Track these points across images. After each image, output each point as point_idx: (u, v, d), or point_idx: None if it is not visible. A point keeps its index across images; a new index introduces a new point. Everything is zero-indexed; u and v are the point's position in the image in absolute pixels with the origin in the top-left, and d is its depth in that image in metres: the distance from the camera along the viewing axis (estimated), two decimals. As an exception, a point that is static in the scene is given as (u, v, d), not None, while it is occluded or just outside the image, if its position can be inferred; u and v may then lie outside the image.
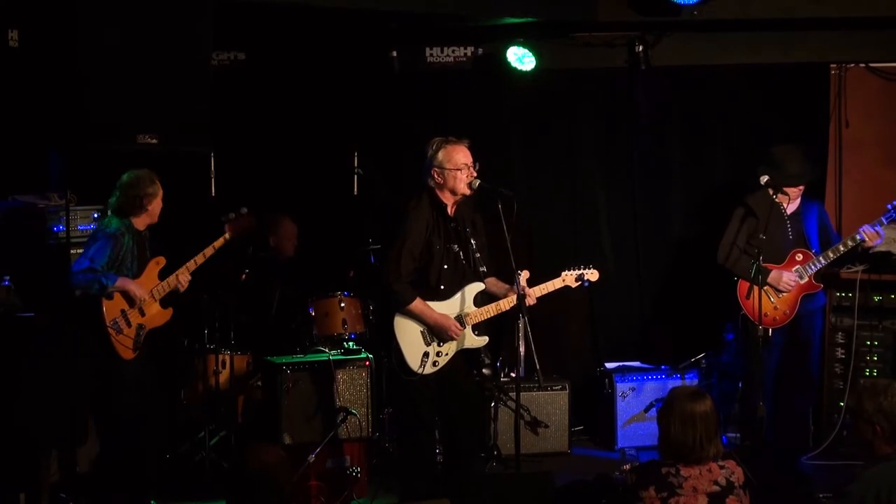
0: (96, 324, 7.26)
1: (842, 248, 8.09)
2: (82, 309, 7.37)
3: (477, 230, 7.12)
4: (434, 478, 7.08)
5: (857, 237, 8.07)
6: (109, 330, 7.25)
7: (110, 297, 7.28)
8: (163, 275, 7.57)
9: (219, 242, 7.71)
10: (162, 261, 7.59)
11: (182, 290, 7.61)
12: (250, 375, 8.60)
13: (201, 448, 8.24)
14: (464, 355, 7.11)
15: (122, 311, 7.33)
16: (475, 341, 7.06)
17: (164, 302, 7.60)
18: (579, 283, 7.19)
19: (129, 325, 7.35)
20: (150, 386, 7.60)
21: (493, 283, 7.11)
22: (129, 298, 7.36)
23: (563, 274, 7.17)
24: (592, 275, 7.21)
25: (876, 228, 8.04)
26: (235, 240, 7.83)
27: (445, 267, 6.94)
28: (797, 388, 8.39)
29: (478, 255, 7.04)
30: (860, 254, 8.65)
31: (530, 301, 6.94)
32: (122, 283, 7.30)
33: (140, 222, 7.49)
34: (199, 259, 7.64)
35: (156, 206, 7.53)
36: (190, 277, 7.59)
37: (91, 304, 7.29)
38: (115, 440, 7.41)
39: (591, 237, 9.86)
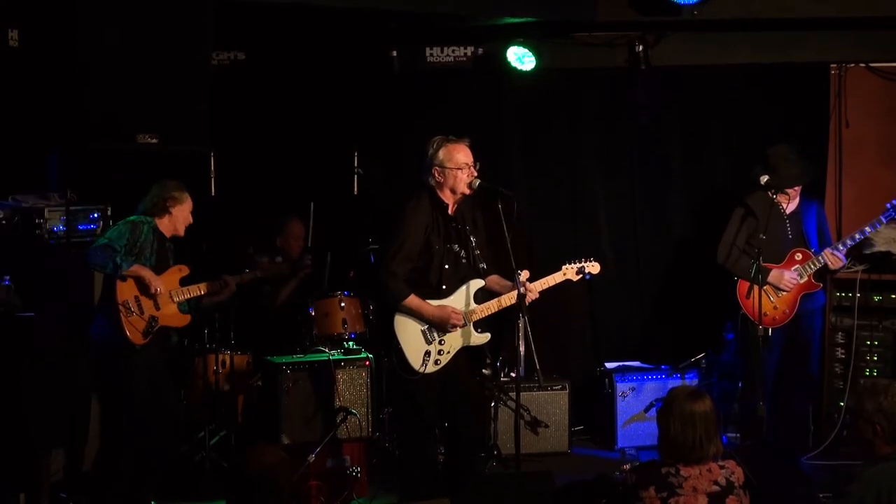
0: (108, 300, 7.27)
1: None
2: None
3: (477, 228, 7.09)
4: (434, 477, 7.07)
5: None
6: (120, 307, 7.23)
7: (123, 279, 7.25)
8: (184, 283, 7.58)
9: (247, 276, 7.95)
10: (185, 269, 7.60)
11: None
12: (250, 375, 8.61)
13: (201, 448, 8.24)
14: (466, 354, 7.08)
15: (136, 297, 7.30)
16: (478, 338, 7.03)
17: (185, 308, 7.61)
18: (580, 275, 7.15)
19: (141, 311, 7.31)
20: (161, 384, 7.55)
21: (496, 282, 7.08)
22: (144, 287, 7.33)
23: (564, 267, 7.14)
24: (594, 267, 7.18)
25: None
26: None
27: (446, 267, 6.92)
28: (797, 387, 8.41)
29: (477, 252, 7.03)
30: (860, 253, 8.69)
31: (533, 295, 6.91)
32: (138, 268, 7.28)
33: (163, 226, 7.50)
34: (233, 281, 7.93)
35: (179, 212, 7.52)
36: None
37: (105, 281, 7.31)
38: (119, 436, 7.38)
39: (590, 237, 9.86)
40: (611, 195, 10.00)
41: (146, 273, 7.32)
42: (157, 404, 7.45)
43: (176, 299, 7.50)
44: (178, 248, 7.69)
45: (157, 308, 7.40)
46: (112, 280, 7.26)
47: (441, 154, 6.88)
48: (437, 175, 6.89)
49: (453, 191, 6.92)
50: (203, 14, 7.86)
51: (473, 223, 7.08)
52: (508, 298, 6.94)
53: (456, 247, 6.97)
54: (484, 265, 7.05)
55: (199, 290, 7.60)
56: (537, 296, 6.98)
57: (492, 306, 6.99)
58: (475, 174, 6.90)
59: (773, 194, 8.11)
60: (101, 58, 7.49)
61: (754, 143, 9.23)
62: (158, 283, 7.36)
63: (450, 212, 6.97)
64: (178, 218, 7.54)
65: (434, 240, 6.88)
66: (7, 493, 7.27)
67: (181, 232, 7.59)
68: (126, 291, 7.28)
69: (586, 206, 9.97)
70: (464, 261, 6.99)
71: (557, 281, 7.13)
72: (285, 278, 9.00)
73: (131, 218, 7.44)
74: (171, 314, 7.50)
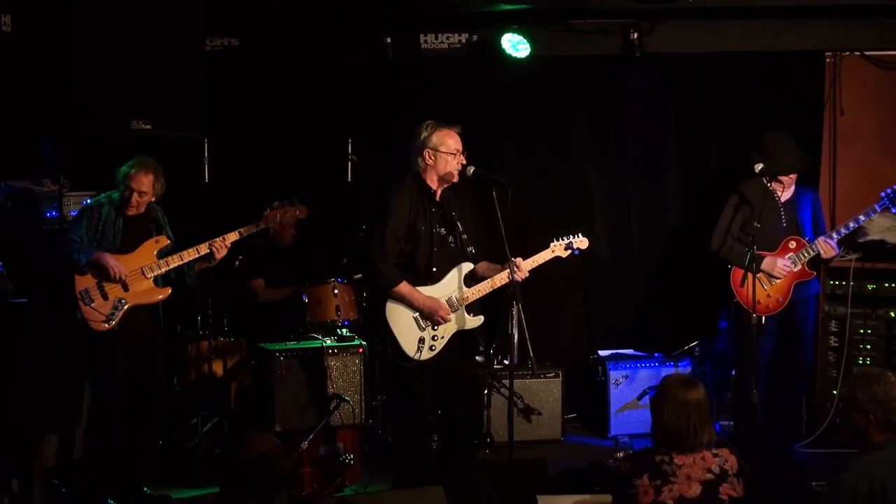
0: (66, 292, 7.18)
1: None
2: (55, 277, 7.30)
3: (464, 216, 7.11)
4: (427, 465, 7.07)
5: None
6: (78, 299, 7.16)
7: (82, 272, 7.18)
8: (165, 254, 7.46)
9: (249, 229, 7.55)
10: (163, 240, 7.45)
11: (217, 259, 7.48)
12: (243, 362, 8.60)
13: (194, 435, 8.24)
14: (461, 339, 7.08)
15: (98, 283, 7.21)
16: (471, 322, 7.04)
17: (163, 280, 7.46)
18: (569, 251, 7.14)
19: (104, 297, 7.23)
20: (151, 365, 7.50)
21: (486, 267, 7.10)
22: (107, 273, 7.23)
23: (552, 244, 7.15)
24: (582, 242, 7.17)
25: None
26: (266, 230, 7.72)
27: (435, 250, 6.93)
28: (790, 375, 8.42)
29: (465, 236, 7.03)
30: (854, 242, 8.70)
31: (523, 274, 6.92)
32: (97, 256, 7.19)
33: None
34: (232, 237, 7.48)
35: (133, 199, 7.34)
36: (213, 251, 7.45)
37: (63, 271, 7.20)
38: (98, 422, 7.36)
39: (585, 225, 9.78)
40: (605, 183, 9.99)
41: (105, 261, 7.21)
42: (145, 387, 7.42)
43: (150, 274, 7.35)
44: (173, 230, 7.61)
45: (126, 289, 7.30)
46: (70, 269, 7.18)
47: (434, 138, 6.89)
48: (427, 158, 6.90)
49: (442, 176, 6.92)
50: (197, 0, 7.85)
51: (459, 211, 7.09)
52: (500, 279, 6.95)
53: (443, 231, 6.98)
54: (472, 249, 7.05)
55: (179, 258, 7.40)
56: (527, 275, 6.98)
57: (484, 287, 7.00)
58: (464, 161, 6.91)
59: (767, 181, 8.11)
60: (94, 43, 7.47)
61: (749, 131, 9.20)
62: (120, 269, 7.23)
63: (436, 198, 6.97)
64: (129, 202, 7.35)
65: (420, 222, 6.89)
66: (0, 480, 7.26)
67: (140, 210, 7.38)
68: (85, 280, 7.21)
69: (581, 193, 9.97)
70: (452, 245, 7.00)
71: (547, 258, 7.14)
72: (282, 276, 9.01)
73: (92, 201, 7.36)
74: (143, 290, 7.37)
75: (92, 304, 7.21)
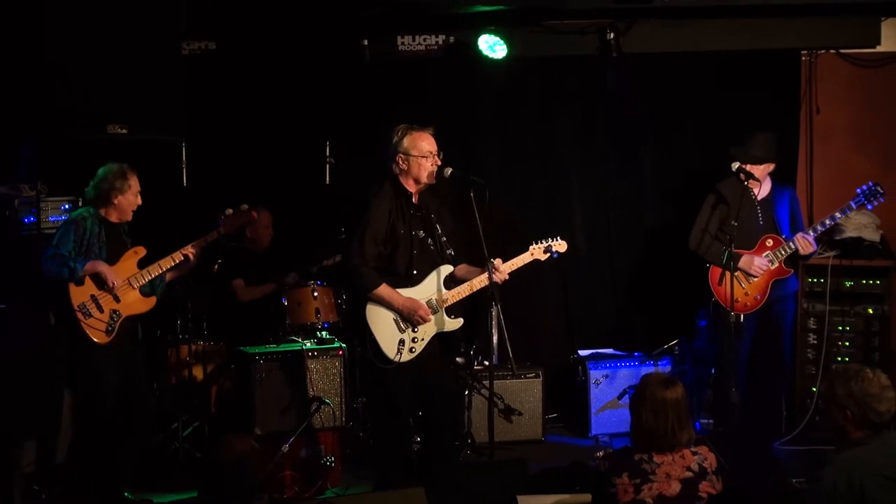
0: (63, 308, 7.17)
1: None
2: (49, 294, 7.29)
3: (442, 218, 7.12)
4: (408, 466, 7.07)
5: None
6: (77, 314, 7.16)
7: (80, 281, 7.16)
8: (143, 265, 7.46)
9: (211, 237, 7.57)
10: (141, 251, 7.44)
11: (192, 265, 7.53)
12: (224, 366, 8.59)
13: (174, 439, 8.23)
14: (441, 341, 7.09)
15: (92, 296, 7.20)
16: (451, 324, 7.04)
17: (148, 291, 7.48)
18: (548, 254, 7.16)
19: (100, 309, 7.22)
20: (136, 376, 7.47)
21: (465, 270, 7.10)
22: (101, 283, 7.24)
23: (531, 247, 7.16)
24: (560, 245, 7.18)
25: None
26: (227, 236, 7.74)
27: (414, 252, 6.94)
28: (770, 373, 8.45)
29: (444, 239, 7.04)
30: (831, 239, 8.74)
31: (502, 276, 6.93)
32: (93, 265, 7.18)
33: (109, 214, 7.38)
34: (199, 244, 7.51)
35: (124, 201, 7.35)
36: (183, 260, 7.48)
37: (58, 288, 7.17)
38: (89, 428, 7.34)
39: (564, 224, 9.83)
40: (584, 182, 9.99)
41: (102, 269, 7.23)
42: (130, 398, 7.40)
43: (136, 284, 7.36)
44: (147, 236, 7.60)
45: (118, 300, 7.31)
46: (64, 285, 7.16)
47: (405, 142, 6.90)
48: (400, 163, 6.91)
49: (417, 179, 6.94)
50: (174, 3, 7.83)
51: (438, 213, 7.09)
52: (479, 282, 6.96)
53: (421, 233, 6.99)
54: (451, 252, 7.06)
55: (159, 268, 7.41)
56: (506, 277, 6.99)
57: (463, 290, 7.00)
58: (439, 163, 6.92)
59: (744, 179, 8.14)
60: (71, 46, 7.45)
61: (725, 130, 9.23)
62: (114, 277, 7.25)
63: (414, 200, 6.98)
64: (122, 206, 7.37)
65: (398, 226, 6.90)
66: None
67: (129, 217, 7.44)
68: (81, 294, 7.19)
69: (559, 193, 9.97)
70: (431, 248, 7.01)
71: (526, 261, 7.14)
72: (261, 278, 9.00)
73: (73, 215, 7.35)
74: (133, 301, 7.38)
75: (91, 318, 7.20)
